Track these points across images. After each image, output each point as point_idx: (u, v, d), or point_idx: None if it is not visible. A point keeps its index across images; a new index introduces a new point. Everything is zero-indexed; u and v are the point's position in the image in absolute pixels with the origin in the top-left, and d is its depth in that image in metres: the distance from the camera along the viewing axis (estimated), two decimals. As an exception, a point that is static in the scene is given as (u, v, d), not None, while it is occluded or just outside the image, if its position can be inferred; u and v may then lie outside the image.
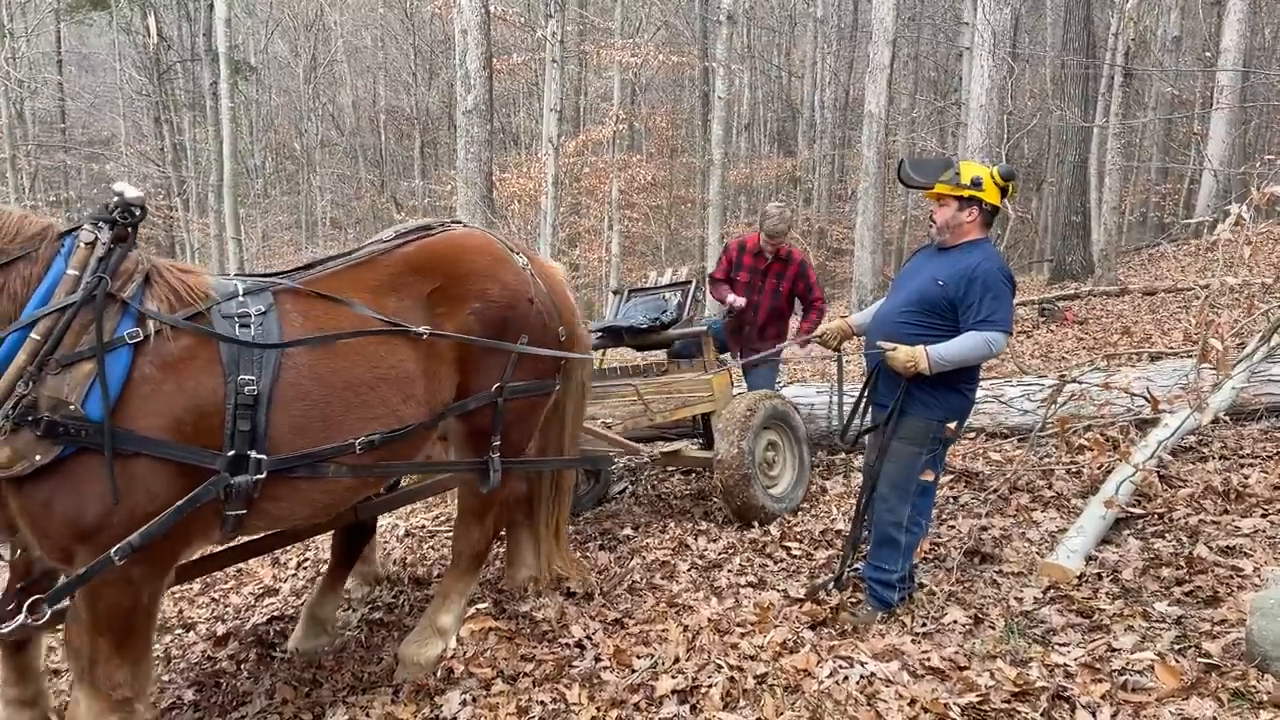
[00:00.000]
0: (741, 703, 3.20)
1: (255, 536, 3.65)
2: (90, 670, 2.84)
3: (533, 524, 4.48)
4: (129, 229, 2.87)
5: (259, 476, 2.90)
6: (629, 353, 6.72)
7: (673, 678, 3.37)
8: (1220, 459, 5.18)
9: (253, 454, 2.88)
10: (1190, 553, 3.99)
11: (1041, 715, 2.89)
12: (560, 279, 4.17)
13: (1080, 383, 5.54)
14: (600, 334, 5.88)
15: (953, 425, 3.81)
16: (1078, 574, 3.96)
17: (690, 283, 6.05)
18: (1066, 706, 2.95)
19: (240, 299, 3.02)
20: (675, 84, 31.11)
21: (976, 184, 3.76)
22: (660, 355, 6.39)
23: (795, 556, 4.73)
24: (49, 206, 23.35)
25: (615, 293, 6.61)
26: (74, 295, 2.64)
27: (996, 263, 3.74)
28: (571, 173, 22.90)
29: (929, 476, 3.81)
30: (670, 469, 6.80)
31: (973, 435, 6.27)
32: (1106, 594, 3.79)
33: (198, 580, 5.03)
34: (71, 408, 2.57)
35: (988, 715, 2.94)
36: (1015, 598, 3.87)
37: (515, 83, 29.52)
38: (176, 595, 5.20)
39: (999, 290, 3.65)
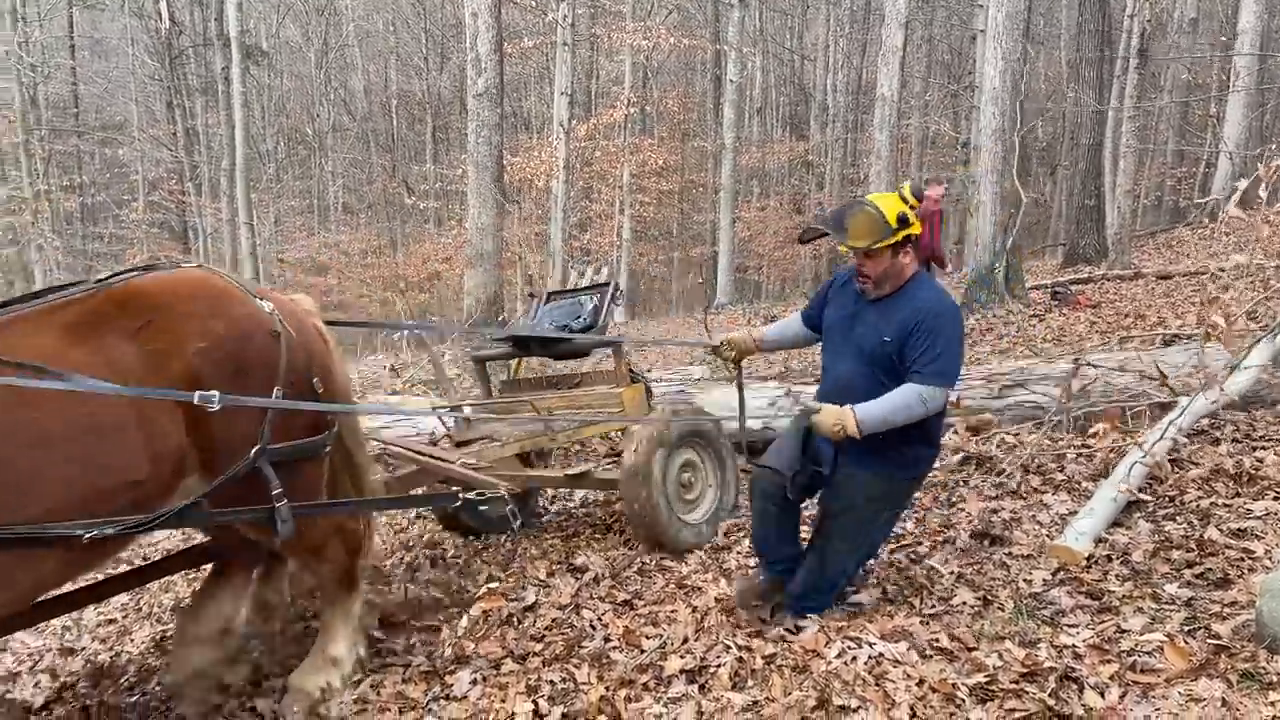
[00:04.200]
0: (749, 683, 3.21)
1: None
2: None
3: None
4: None
5: None
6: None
7: (681, 658, 3.38)
8: (1233, 442, 5.15)
9: None
10: (1201, 535, 3.98)
11: (1049, 695, 2.89)
12: (304, 312, 3.55)
13: (1095, 366, 5.51)
14: (507, 343, 5.39)
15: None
16: (1086, 556, 3.95)
17: (609, 284, 5.52)
18: (1075, 687, 2.95)
19: None
20: (687, 68, 31.06)
21: (904, 221, 3.32)
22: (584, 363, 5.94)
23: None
24: (62, 191, 23.46)
25: (532, 295, 6.11)
26: None
27: (940, 300, 3.39)
28: (583, 157, 22.87)
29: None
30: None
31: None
32: (1116, 576, 3.78)
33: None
34: None
35: (995, 695, 2.94)
36: (1025, 579, 3.86)
37: (527, 67, 29.52)
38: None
39: (940, 332, 3.27)
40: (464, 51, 12.52)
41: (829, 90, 28.45)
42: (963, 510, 4.79)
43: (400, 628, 4.07)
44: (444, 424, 5.28)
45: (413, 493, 4.46)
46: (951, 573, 4.02)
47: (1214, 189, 17.82)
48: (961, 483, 5.24)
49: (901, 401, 3.24)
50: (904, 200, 3.38)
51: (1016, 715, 2.82)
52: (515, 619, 3.93)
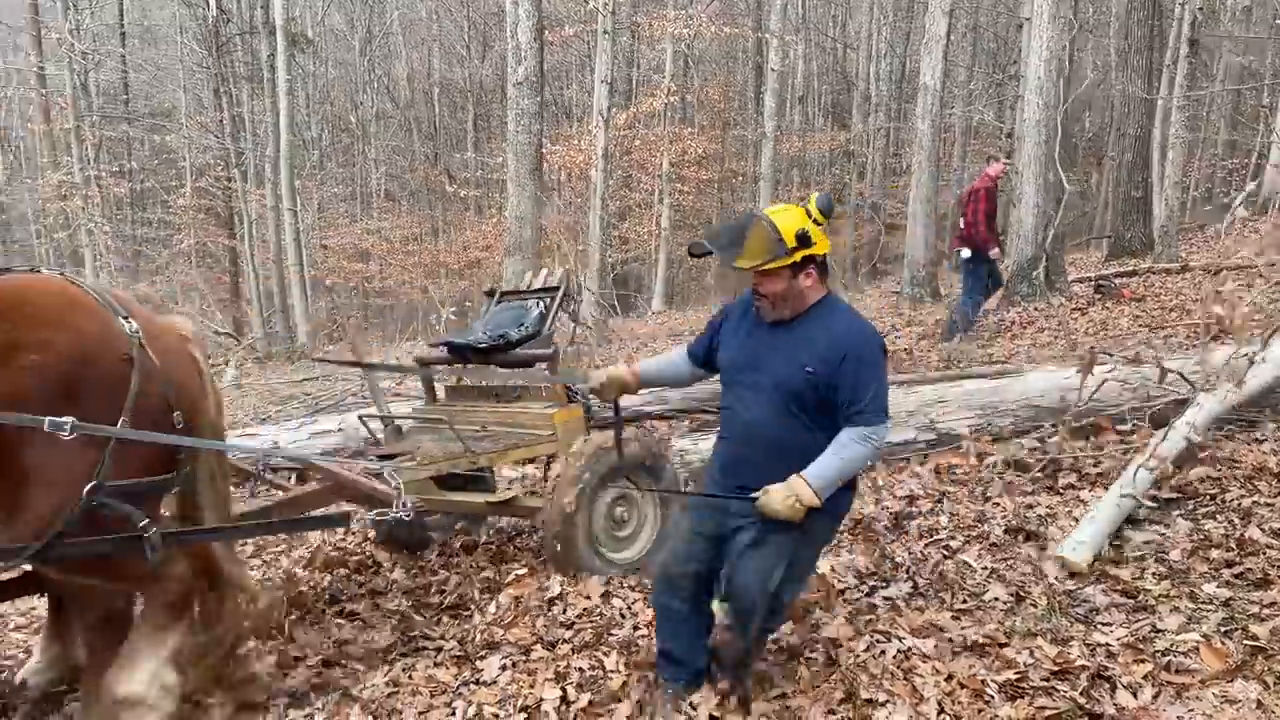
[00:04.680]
0: (778, 674, 3.22)
1: None
2: None
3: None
4: None
5: None
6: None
7: (710, 647, 3.39)
8: (1277, 440, 5.06)
9: None
10: (1242, 534, 3.92)
11: (1081, 694, 2.87)
12: (180, 337, 3.21)
13: (1109, 354, 5.40)
14: (445, 349, 4.97)
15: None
16: (1086, 565, 3.84)
17: (559, 289, 5.00)
18: (1107, 686, 2.93)
19: None
20: (728, 56, 30.85)
21: (804, 239, 2.89)
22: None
23: (838, 531, 4.70)
24: (112, 177, 23.86)
25: (488, 294, 5.60)
26: None
27: (864, 326, 3.01)
28: (622, 146, 22.85)
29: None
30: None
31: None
32: (1153, 574, 3.73)
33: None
34: None
35: (1026, 693, 2.92)
36: (1057, 576, 3.83)
37: (567, 55, 29.52)
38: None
39: (875, 363, 2.93)
40: (505, 40, 12.55)
41: (871, 79, 28.19)
42: (997, 505, 4.75)
43: (432, 612, 4.13)
44: (370, 432, 4.94)
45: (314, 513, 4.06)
46: (984, 568, 4.00)
47: (1265, 181, 17.43)
48: (996, 477, 5.19)
49: (850, 452, 2.86)
50: (809, 216, 2.95)
51: (1047, 713, 2.80)
52: (546, 606, 3.96)
